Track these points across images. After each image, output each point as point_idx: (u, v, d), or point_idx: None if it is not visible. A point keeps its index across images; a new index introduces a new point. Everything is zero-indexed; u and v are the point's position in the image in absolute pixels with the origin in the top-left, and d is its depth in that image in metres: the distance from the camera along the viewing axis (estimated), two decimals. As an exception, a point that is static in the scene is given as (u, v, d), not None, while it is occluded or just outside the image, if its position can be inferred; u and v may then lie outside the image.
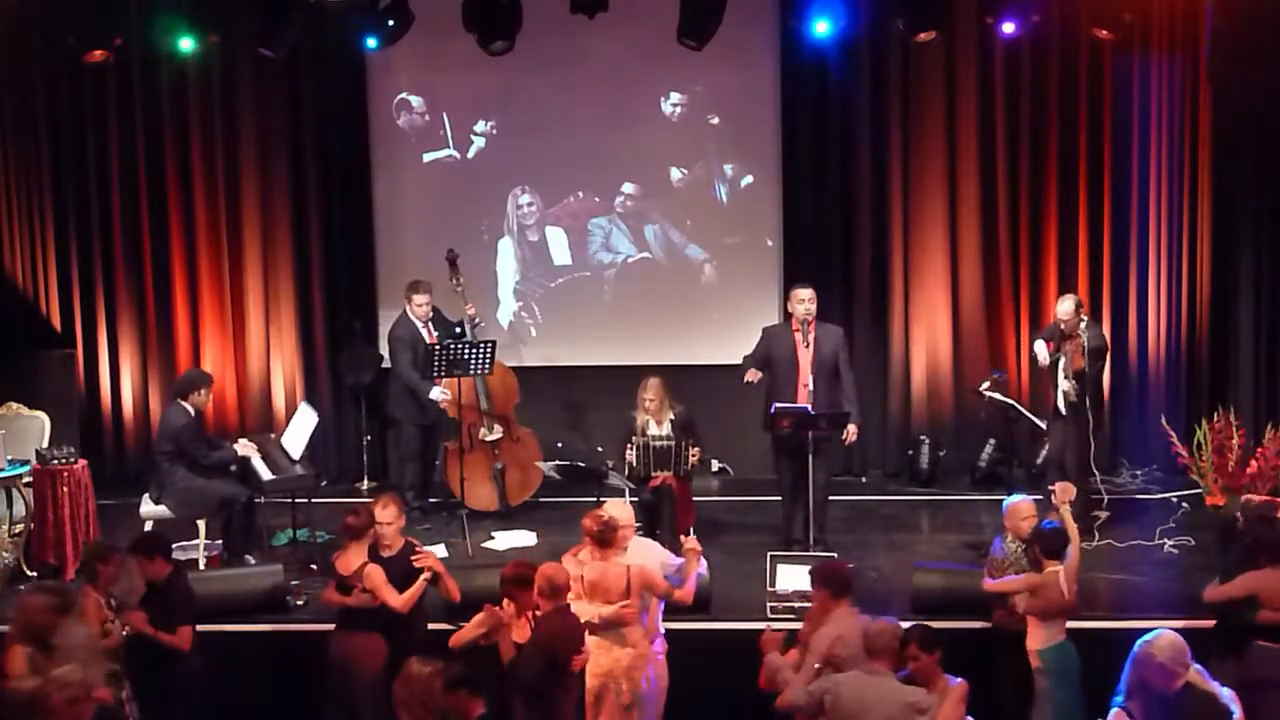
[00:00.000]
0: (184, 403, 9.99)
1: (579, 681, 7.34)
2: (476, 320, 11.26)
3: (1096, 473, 10.13)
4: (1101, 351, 10.32)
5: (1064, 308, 10.20)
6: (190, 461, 9.93)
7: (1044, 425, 10.32)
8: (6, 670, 7.01)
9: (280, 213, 12.10)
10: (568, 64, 11.81)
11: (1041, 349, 10.17)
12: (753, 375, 10.11)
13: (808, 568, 8.96)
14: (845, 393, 10.05)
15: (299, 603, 9.25)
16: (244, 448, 10.21)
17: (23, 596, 7.38)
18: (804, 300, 10.02)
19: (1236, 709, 6.36)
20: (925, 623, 7.00)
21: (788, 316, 10.25)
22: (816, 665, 6.85)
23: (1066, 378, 10.06)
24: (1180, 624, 8.53)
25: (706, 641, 8.61)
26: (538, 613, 7.21)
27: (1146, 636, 6.40)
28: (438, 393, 10.83)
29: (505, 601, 7.36)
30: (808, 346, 9.96)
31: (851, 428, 10.04)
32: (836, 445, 10.29)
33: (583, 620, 7.46)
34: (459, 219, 12.16)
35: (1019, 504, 8.25)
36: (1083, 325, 10.14)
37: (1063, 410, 10.16)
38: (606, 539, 7.71)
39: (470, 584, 8.72)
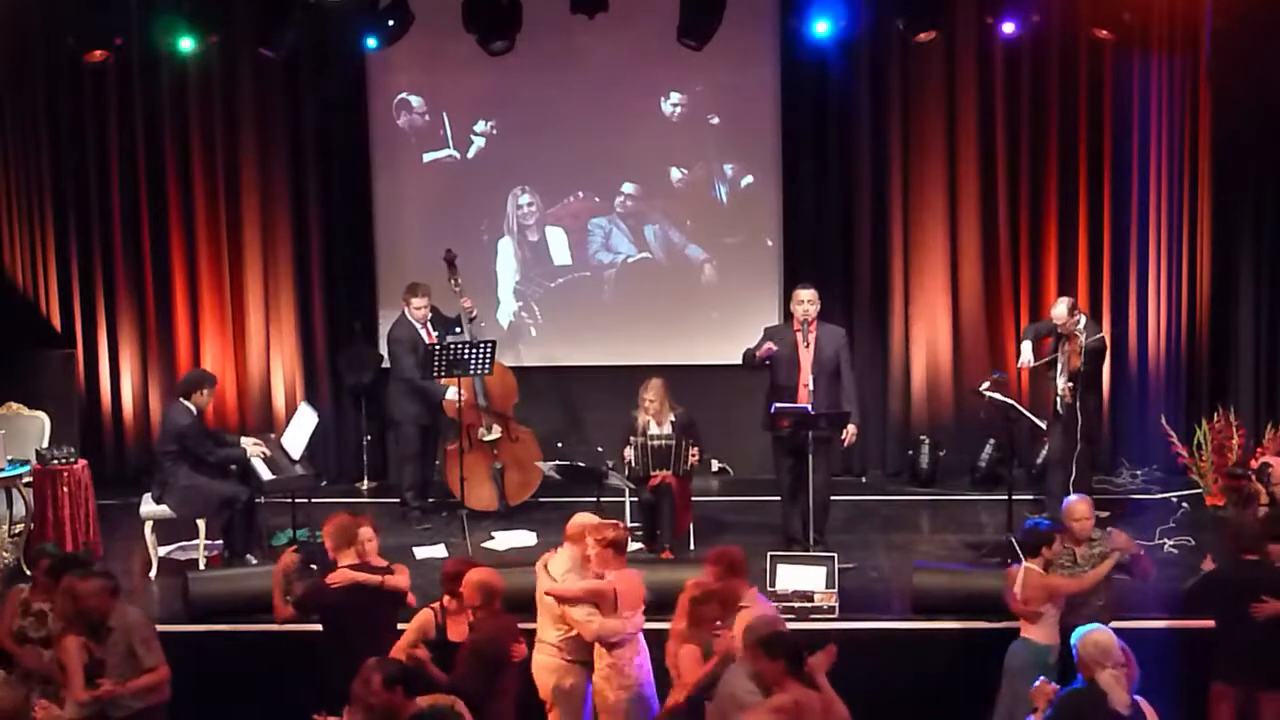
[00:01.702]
0: (186, 402, 9.99)
1: (516, 681, 7.31)
2: (473, 314, 11.25)
3: (1075, 470, 10.12)
4: (1100, 352, 10.33)
5: (1057, 311, 10.22)
6: (194, 461, 9.93)
7: (1044, 425, 10.32)
8: (63, 663, 6.97)
9: (280, 213, 12.10)
10: (568, 64, 11.81)
11: (1026, 350, 10.23)
12: (766, 349, 10.00)
13: (812, 568, 9.02)
14: (845, 394, 10.04)
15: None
16: (253, 447, 10.19)
17: (73, 582, 7.28)
18: (804, 300, 10.01)
19: None
20: (792, 631, 6.72)
21: (789, 316, 10.25)
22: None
23: (1062, 375, 10.08)
24: (1180, 624, 8.59)
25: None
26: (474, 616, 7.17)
27: (1083, 629, 6.63)
28: (452, 392, 10.79)
29: (445, 598, 7.35)
30: (808, 347, 9.96)
31: (850, 428, 10.04)
32: (836, 445, 10.29)
33: (628, 631, 7.47)
34: (459, 219, 12.16)
35: (1075, 504, 8.19)
36: (1080, 325, 10.15)
37: (1060, 411, 10.18)
38: (624, 547, 7.71)
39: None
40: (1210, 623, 8.04)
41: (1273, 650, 7.56)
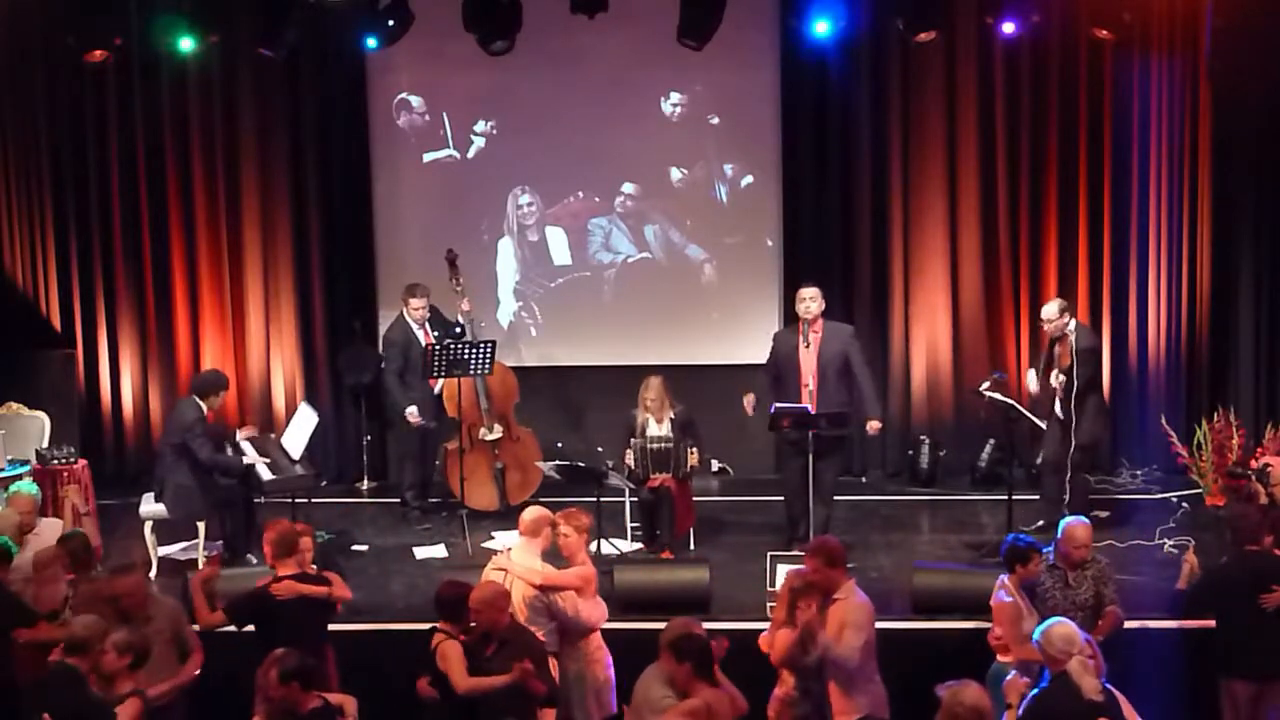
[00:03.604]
0: (199, 400, 9.99)
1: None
2: (473, 317, 11.24)
3: (1071, 469, 10.11)
4: (1089, 353, 10.29)
5: (1048, 310, 10.24)
6: (194, 459, 9.92)
7: (1044, 425, 10.31)
8: (104, 666, 6.84)
9: (280, 213, 12.10)
10: (568, 64, 11.81)
11: (1032, 379, 10.36)
12: (748, 405, 10.11)
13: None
14: (862, 391, 10.03)
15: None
16: (247, 446, 10.18)
17: (109, 582, 7.44)
18: (804, 299, 10.01)
19: (1122, 710, 6.48)
20: (701, 634, 6.62)
21: (794, 317, 10.26)
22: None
23: (1054, 374, 10.09)
24: (1177, 624, 8.59)
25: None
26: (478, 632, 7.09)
27: (1044, 624, 6.62)
28: (410, 410, 10.81)
29: (444, 624, 7.18)
30: (808, 347, 9.95)
31: (874, 423, 10.05)
32: (840, 446, 10.28)
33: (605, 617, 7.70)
34: (459, 219, 12.16)
35: (1075, 529, 7.87)
36: (1070, 327, 10.15)
37: (1058, 413, 10.17)
38: (591, 532, 8.00)
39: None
40: (1208, 622, 8.03)
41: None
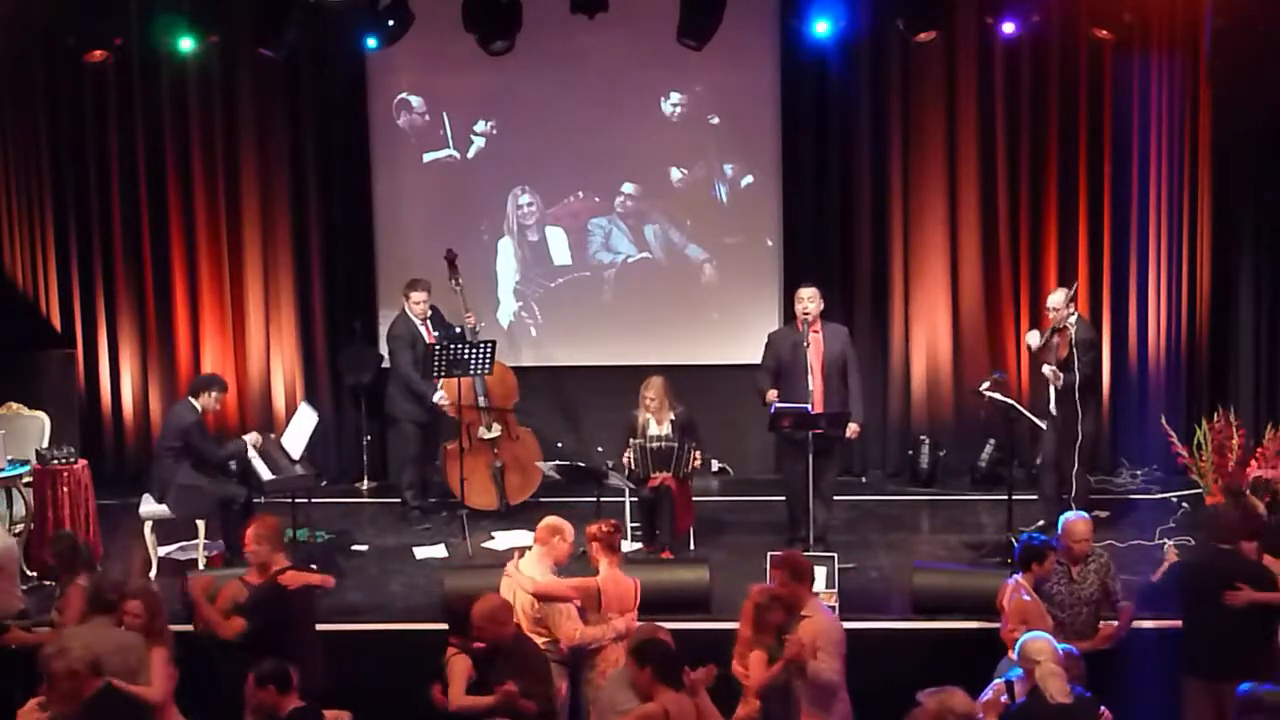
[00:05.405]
0: (194, 401, 10.00)
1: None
2: (477, 329, 11.24)
3: (1078, 462, 10.10)
4: (1089, 345, 10.31)
5: (1055, 298, 10.25)
6: (195, 460, 9.93)
7: (1044, 425, 10.31)
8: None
9: (280, 213, 12.10)
10: (568, 64, 11.81)
11: (1034, 335, 10.30)
12: (772, 395, 10.03)
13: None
14: (852, 392, 10.04)
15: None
16: (252, 440, 10.21)
17: (144, 589, 7.57)
18: (803, 300, 10.03)
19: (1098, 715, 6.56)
20: (660, 639, 6.63)
21: (792, 317, 10.25)
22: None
23: (1050, 365, 10.10)
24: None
25: (706, 641, 8.59)
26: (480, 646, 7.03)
27: (1025, 636, 6.73)
28: (439, 396, 10.84)
29: (453, 636, 7.16)
30: (808, 347, 9.95)
31: (853, 425, 10.01)
32: (841, 445, 10.27)
33: (609, 637, 7.50)
34: (459, 219, 12.16)
35: (1075, 524, 8.01)
36: (1072, 319, 10.17)
37: (1051, 410, 10.16)
38: (617, 545, 7.79)
39: (470, 584, 8.72)
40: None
41: (1242, 641, 7.53)
